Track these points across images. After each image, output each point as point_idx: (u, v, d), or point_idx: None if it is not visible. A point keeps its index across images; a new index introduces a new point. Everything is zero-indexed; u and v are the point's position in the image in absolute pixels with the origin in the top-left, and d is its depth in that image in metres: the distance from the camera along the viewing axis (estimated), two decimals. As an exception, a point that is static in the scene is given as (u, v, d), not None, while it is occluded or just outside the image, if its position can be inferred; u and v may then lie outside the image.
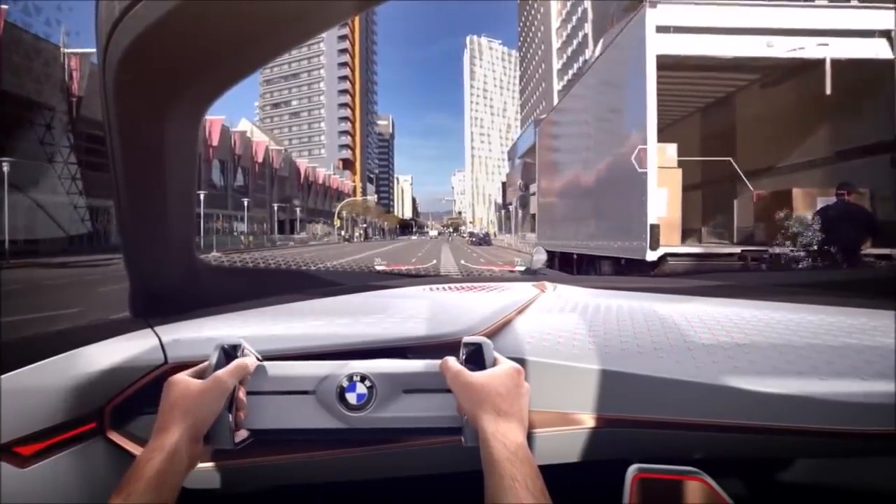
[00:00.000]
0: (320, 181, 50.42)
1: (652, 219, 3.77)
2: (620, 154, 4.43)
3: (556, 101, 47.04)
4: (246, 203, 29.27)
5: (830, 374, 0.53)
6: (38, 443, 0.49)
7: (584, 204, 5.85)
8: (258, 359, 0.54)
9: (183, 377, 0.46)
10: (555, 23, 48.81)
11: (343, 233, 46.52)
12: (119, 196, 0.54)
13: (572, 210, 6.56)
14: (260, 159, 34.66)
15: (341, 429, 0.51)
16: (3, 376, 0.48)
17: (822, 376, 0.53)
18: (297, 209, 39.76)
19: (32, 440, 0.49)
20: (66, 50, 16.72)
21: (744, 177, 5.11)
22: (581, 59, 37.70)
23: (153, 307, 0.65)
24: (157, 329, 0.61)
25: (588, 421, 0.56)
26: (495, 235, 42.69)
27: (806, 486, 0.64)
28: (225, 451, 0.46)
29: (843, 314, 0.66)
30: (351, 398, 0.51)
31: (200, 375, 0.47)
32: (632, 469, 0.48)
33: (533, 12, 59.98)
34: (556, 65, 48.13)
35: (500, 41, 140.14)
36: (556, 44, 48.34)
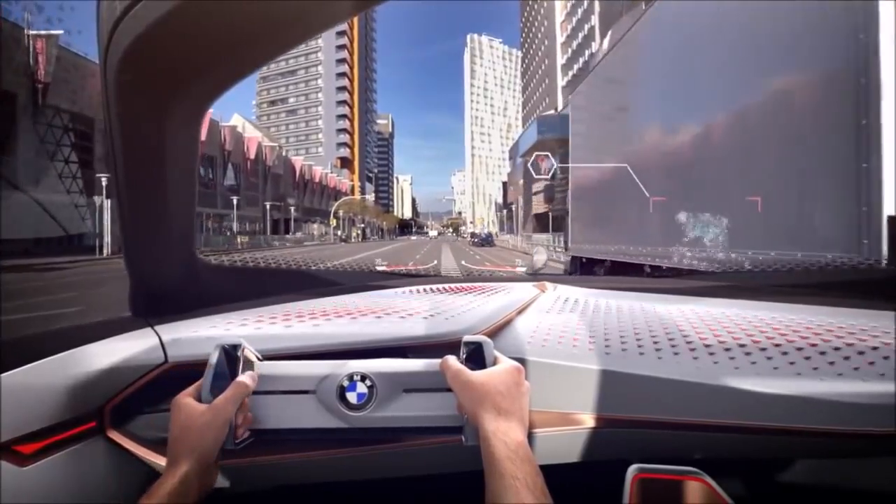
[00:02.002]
0: (317, 179, 48.93)
1: (890, 207, 1.76)
2: (790, 93, 2.21)
3: (560, 97, 44.71)
4: (235, 201, 27.86)
5: (830, 375, 0.53)
6: (38, 441, 0.49)
7: (682, 190, 3.28)
8: (258, 358, 0.54)
9: (187, 401, 0.47)
10: (559, 16, 47.11)
11: (339, 233, 45.17)
12: (119, 195, 0.54)
13: (648, 200, 3.78)
14: (252, 156, 33.20)
15: (342, 428, 0.51)
16: (3, 375, 0.48)
17: (822, 376, 0.53)
18: (292, 208, 38.45)
19: (32, 439, 0.49)
20: (30, 32, 14.40)
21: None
22: (587, 52, 36.17)
23: (153, 306, 0.65)
24: (158, 328, 0.61)
25: (588, 421, 0.57)
26: (497, 236, 42.20)
27: (806, 487, 0.64)
28: (225, 450, 0.46)
29: (843, 314, 0.66)
30: (351, 397, 0.51)
31: (201, 390, 0.48)
32: (632, 469, 0.49)
33: (536, 6, 57.57)
34: (561, 60, 46.57)
35: (500, 40, 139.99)
36: (560, 38, 46.72)
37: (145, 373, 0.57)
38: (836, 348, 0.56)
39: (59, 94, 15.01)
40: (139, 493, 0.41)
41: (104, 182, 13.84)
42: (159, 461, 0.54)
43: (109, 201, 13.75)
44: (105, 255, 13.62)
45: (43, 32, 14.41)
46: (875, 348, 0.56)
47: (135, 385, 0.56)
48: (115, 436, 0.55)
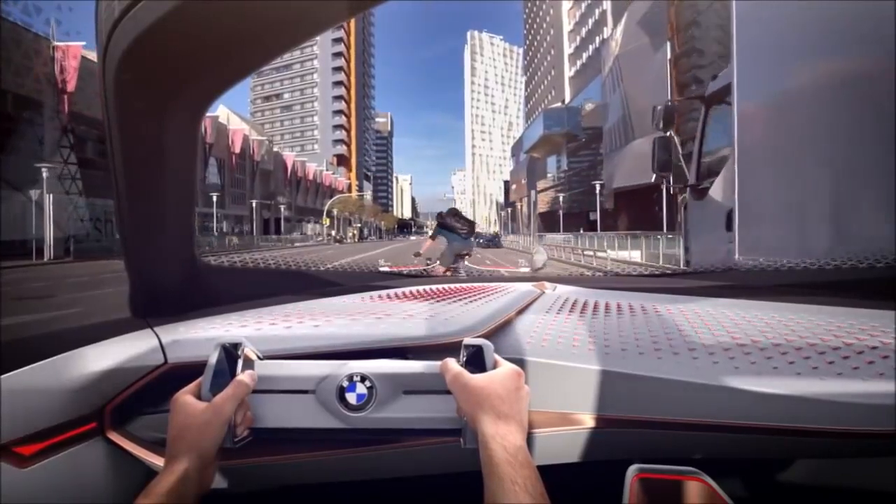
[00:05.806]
0: (310, 177, 46.46)
1: None
2: None
3: (567, 89, 42.51)
4: (215, 199, 25.40)
5: (830, 374, 0.53)
6: (38, 443, 0.49)
7: None
8: (259, 357, 0.54)
9: (187, 399, 0.46)
10: (566, 2, 44.27)
11: (334, 233, 42.53)
12: (119, 195, 0.54)
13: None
14: (237, 150, 30.41)
15: (341, 429, 0.51)
16: (3, 376, 0.48)
17: (822, 376, 0.53)
18: (283, 207, 36.22)
19: (32, 440, 0.49)
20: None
21: None
22: (598, 39, 33.96)
23: (153, 307, 0.65)
24: (157, 329, 0.61)
25: (588, 421, 0.57)
26: (501, 236, 41.45)
27: (806, 487, 0.65)
28: (224, 450, 0.46)
29: (843, 314, 0.66)
30: (351, 398, 0.51)
31: (200, 389, 0.48)
32: (632, 469, 0.48)
33: (540, -7, 53.49)
34: (568, 49, 44.01)
35: (501, 37, 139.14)
36: (567, 26, 44.03)
37: (145, 374, 0.57)
38: (836, 348, 0.56)
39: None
40: (139, 494, 0.40)
41: (45, 174, 12.26)
42: (159, 462, 0.53)
43: (51, 196, 11.99)
44: (47, 259, 11.86)
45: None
46: (875, 348, 0.56)
47: (134, 386, 0.56)
48: (115, 437, 0.55)
